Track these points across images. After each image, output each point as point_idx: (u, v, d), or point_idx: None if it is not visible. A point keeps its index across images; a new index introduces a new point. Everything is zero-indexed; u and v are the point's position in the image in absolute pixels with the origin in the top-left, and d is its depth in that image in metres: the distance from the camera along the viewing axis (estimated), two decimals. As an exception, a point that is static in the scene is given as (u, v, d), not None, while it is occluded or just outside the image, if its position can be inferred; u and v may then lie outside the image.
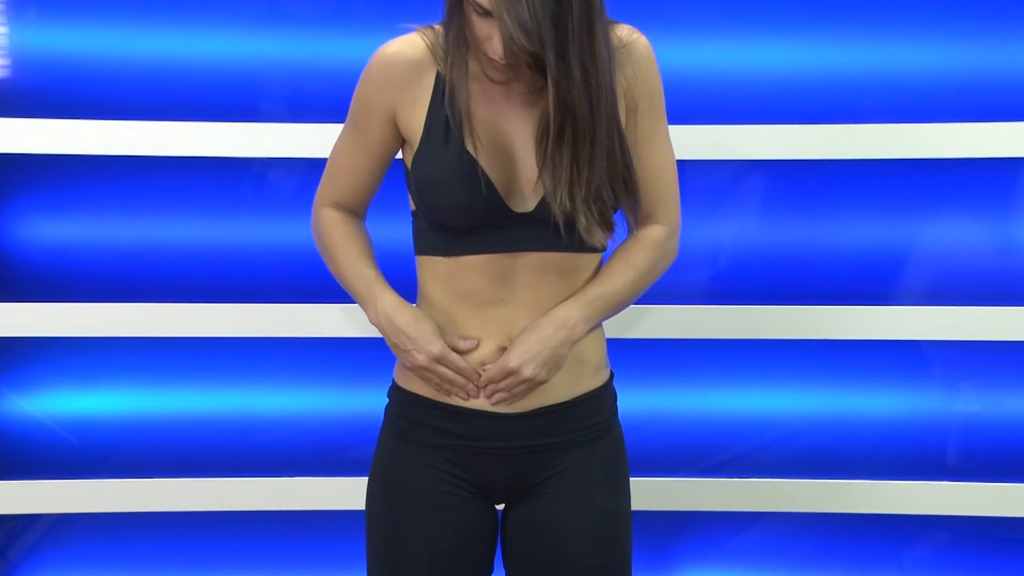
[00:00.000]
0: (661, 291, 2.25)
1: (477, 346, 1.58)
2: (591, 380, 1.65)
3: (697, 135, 2.23)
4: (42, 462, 2.41)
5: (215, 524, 2.44)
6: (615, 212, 1.55)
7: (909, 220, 2.35)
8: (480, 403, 1.60)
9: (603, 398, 1.67)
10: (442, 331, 1.59)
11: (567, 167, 1.46)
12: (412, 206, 1.63)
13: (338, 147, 1.69)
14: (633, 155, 1.57)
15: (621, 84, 1.55)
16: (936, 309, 2.31)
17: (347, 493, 2.34)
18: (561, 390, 1.61)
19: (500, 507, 1.69)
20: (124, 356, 2.40)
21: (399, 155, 1.66)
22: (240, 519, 2.44)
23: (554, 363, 1.56)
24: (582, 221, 1.48)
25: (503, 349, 1.58)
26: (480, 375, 1.58)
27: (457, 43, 1.51)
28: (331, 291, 2.29)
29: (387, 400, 1.71)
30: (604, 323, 1.69)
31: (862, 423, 2.41)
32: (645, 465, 2.34)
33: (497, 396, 1.58)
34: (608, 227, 1.52)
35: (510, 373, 1.55)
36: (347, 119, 1.65)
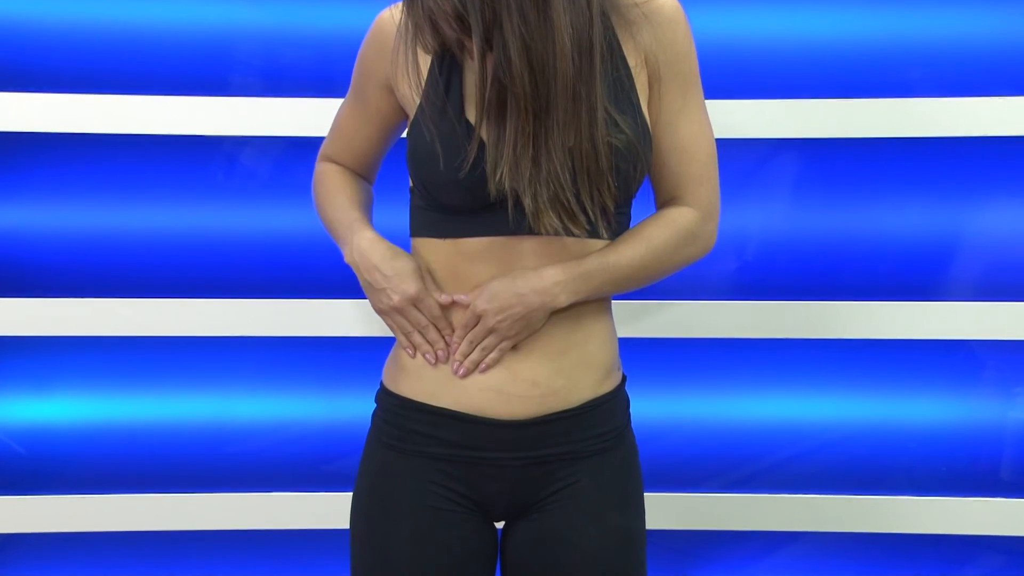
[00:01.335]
0: (680, 285, 2.28)
1: (452, 302, 1.59)
2: (601, 384, 1.65)
3: (720, 110, 2.23)
4: (-13, 476, 2.43)
5: (182, 545, 2.45)
6: (608, 198, 1.52)
7: (960, 205, 2.34)
8: (479, 408, 1.60)
9: (614, 404, 1.67)
10: (425, 276, 1.60)
11: (509, 143, 1.45)
12: (411, 182, 1.65)
13: (341, 109, 1.77)
14: (657, 131, 1.59)
15: (634, 51, 1.55)
16: (990, 305, 2.30)
17: (331, 510, 2.35)
18: (568, 395, 1.61)
19: (500, 525, 1.69)
20: (79, 357, 2.39)
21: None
22: (211, 539, 2.44)
23: (524, 324, 1.57)
24: (528, 204, 1.47)
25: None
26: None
27: None
28: (312, 285, 2.32)
29: (374, 405, 1.72)
30: (615, 321, 1.70)
31: (906, 432, 2.41)
32: (662, 479, 2.36)
33: (463, 350, 1.58)
34: (567, 213, 1.49)
35: (478, 318, 1.57)
36: (351, 82, 1.72)
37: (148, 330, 2.32)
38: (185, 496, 2.39)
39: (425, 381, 1.63)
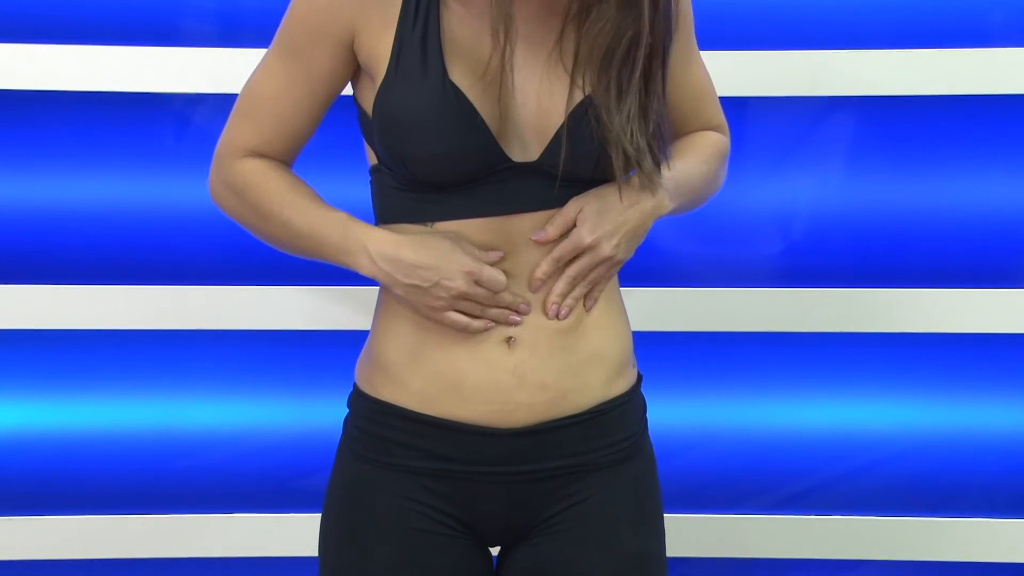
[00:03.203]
0: (710, 270, 2.28)
1: (503, 257, 1.57)
2: (614, 384, 1.65)
3: (767, 63, 2.25)
4: None
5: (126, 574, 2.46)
6: None
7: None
8: (475, 418, 1.59)
9: (629, 408, 1.67)
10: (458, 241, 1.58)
11: (635, 97, 1.50)
12: (372, 160, 1.63)
13: (261, 81, 1.66)
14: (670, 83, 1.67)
15: None
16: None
17: (301, 534, 2.37)
18: (576, 397, 1.62)
19: (495, 550, 1.70)
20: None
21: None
22: (159, 568, 2.46)
23: (637, 241, 1.63)
24: (648, 163, 1.54)
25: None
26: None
27: None
28: (280, 270, 2.32)
29: (347, 411, 1.71)
30: (627, 311, 1.71)
31: (983, 444, 2.44)
32: (686, 497, 2.37)
33: (561, 289, 1.58)
34: (655, 156, 1.57)
35: (585, 250, 1.57)
36: (275, 45, 1.63)
37: (83, 322, 2.34)
38: (129, 518, 2.42)
39: (412, 385, 1.62)
